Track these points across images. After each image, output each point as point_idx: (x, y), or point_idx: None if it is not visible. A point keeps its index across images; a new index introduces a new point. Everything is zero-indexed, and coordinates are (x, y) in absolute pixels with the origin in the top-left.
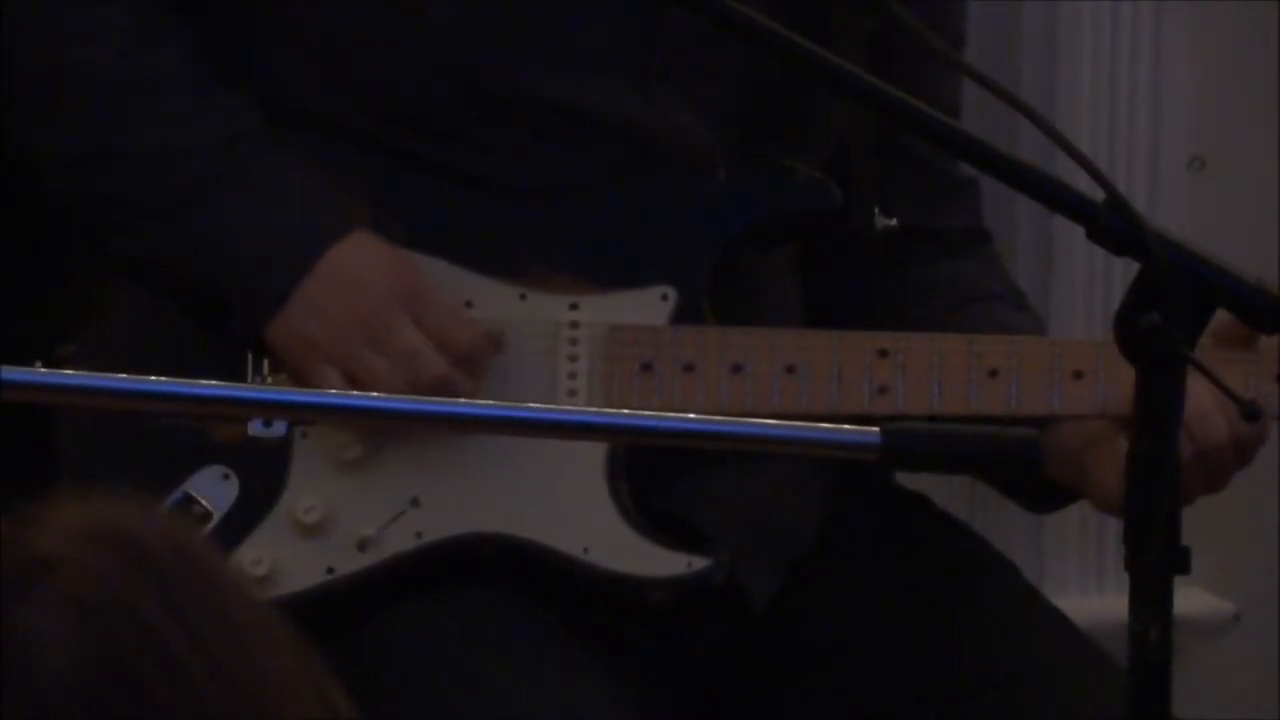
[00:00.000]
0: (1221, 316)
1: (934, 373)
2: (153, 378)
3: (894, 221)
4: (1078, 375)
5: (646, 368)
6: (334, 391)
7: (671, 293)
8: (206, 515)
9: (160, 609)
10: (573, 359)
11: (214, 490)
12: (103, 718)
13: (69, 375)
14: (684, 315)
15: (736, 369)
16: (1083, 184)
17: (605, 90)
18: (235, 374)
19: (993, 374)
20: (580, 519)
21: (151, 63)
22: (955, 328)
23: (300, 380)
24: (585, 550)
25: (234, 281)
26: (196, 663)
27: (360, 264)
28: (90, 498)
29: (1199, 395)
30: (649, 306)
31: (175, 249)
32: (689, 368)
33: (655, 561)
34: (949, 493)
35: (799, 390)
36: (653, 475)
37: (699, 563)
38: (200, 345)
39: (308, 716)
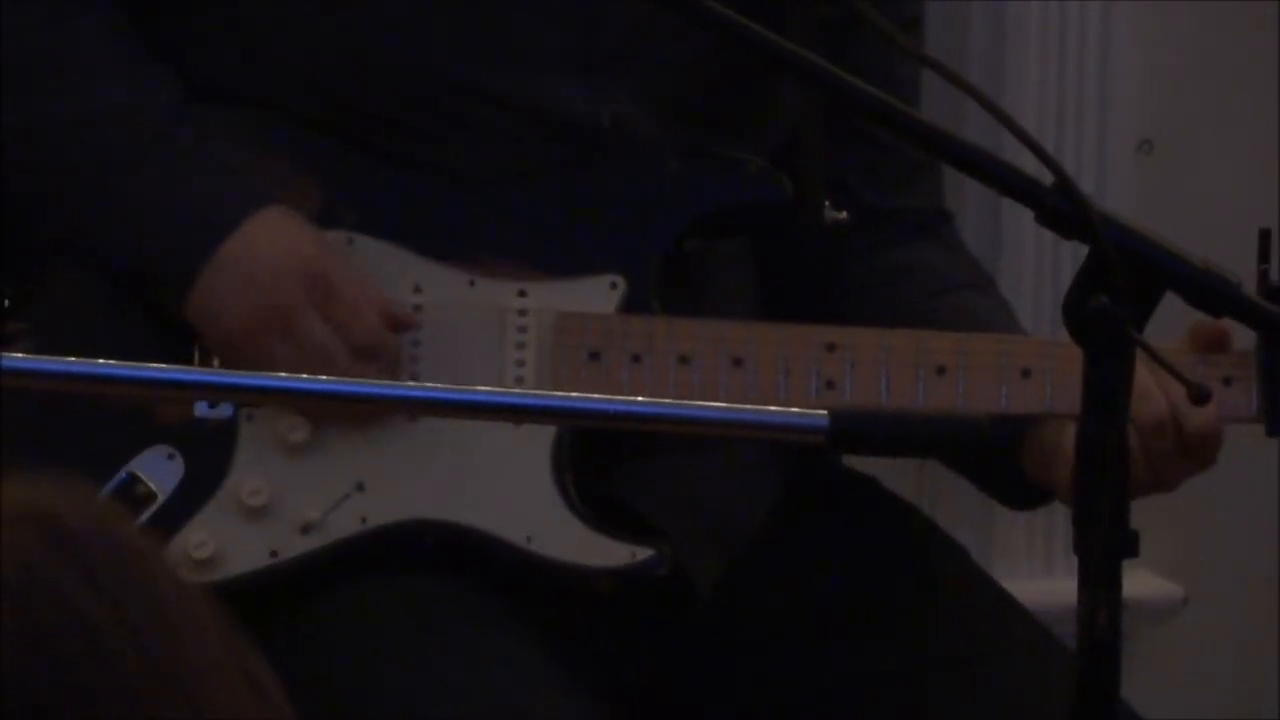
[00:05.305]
0: (1198, 320)
1: (882, 368)
2: (101, 361)
3: (844, 215)
4: (1025, 373)
5: (594, 356)
6: (281, 374)
7: (620, 281)
8: (151, 496)
9: (83, 588)
10: (520, 346)
11: (159, 471)
12: (25, 697)
13: (16, 359)
14: (632, 304)
15: (684, 360)
16: (1031, 167)
17: (549, 82)
18: (183, 352)
19: (940, 371)
20: (524, 507)
21: (66, 33)
22: (930, 318)
23: (227, 362)
24: (529, 539)
25: (147, 260)
26: (121, 643)
27: (263, 251)
28: (12, 481)
29: (1151, 399)
30: (598, 295)
31: (92, 222)
32: (636, 358)
33: (599, 551)
34: (898, 475)
35: (745, 383)
36: (598, 463)
37: (643, 553)
38: (148, 324)
39: (235, 700)
